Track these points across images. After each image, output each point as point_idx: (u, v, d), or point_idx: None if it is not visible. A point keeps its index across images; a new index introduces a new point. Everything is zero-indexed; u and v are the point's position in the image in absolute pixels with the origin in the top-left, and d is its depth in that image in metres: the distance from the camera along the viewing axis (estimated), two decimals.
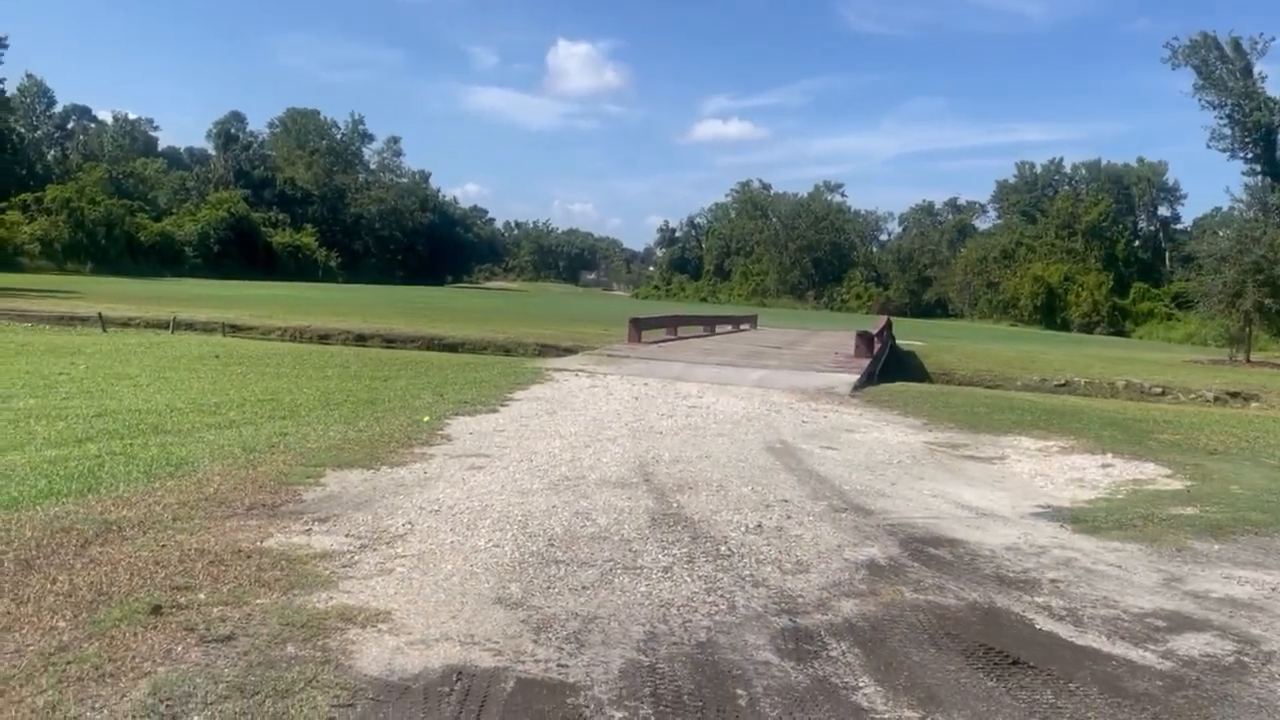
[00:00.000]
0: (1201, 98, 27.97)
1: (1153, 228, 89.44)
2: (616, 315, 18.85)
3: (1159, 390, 16.07)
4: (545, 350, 17.13)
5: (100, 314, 18.12)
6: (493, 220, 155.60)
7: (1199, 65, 27.48)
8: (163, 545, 3.46)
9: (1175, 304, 63.69)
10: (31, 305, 20.89)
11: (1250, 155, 27.84)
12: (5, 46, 66.29)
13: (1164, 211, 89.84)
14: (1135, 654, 2.94)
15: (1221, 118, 27.98)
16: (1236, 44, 27.18)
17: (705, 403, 8.91)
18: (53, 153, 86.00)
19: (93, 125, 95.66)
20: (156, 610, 2.79)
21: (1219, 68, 27.45)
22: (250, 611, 2.85)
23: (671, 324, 19.87)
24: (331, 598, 3.03)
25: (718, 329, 23.25)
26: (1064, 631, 3.13)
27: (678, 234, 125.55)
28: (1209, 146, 28.78)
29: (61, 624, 2.66)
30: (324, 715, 2.24)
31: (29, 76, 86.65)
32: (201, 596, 2.95)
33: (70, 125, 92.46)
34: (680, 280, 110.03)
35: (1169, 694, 2.64)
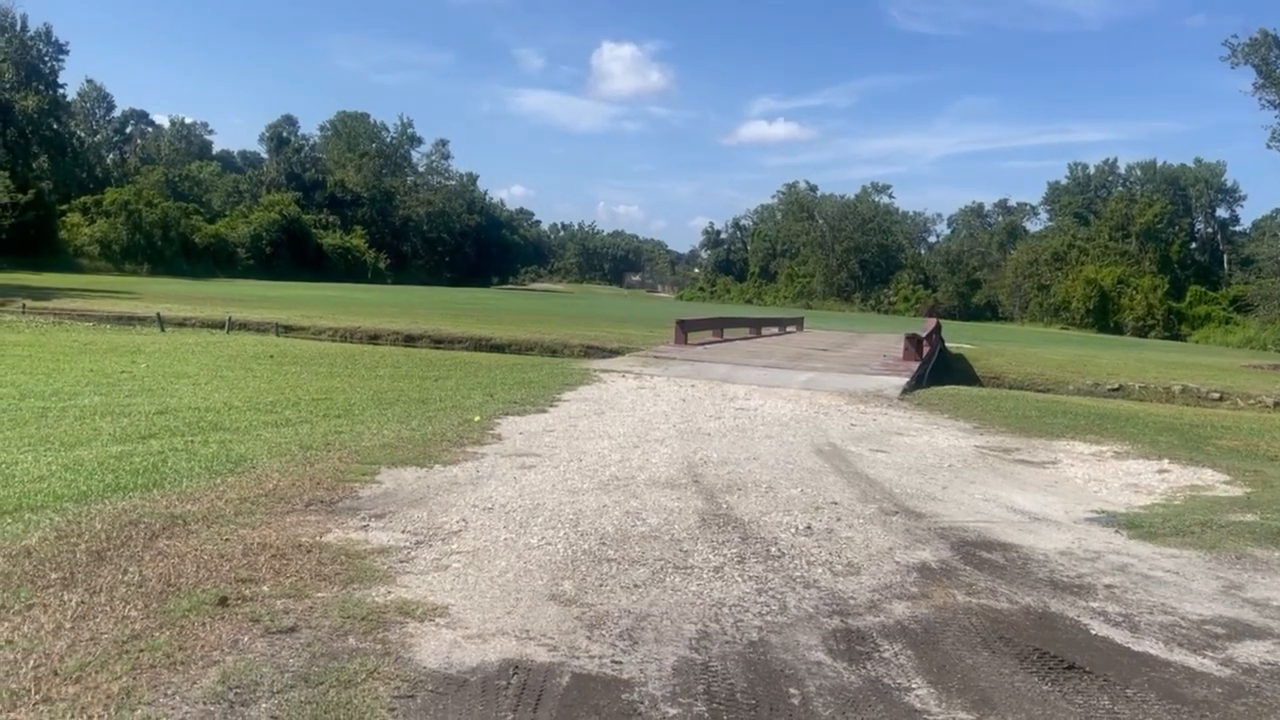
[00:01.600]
0: (1261, 96, 27.29)
1: (1210, 229, 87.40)
2: (662, 317, 18.89)
3: (1217, 395, 15.74)
4: (591, 351, 17.22)
5: (159, 314, 18.54)
6: (539, 222, 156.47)
7: (1259, 64, 26.80)
8: (226, 539, 3.55)
9: (1233, 307, 62.26)
10: (92, 305, 21.43)
11: None
12: (66, 52, 67.98)
13: (1222, 213, 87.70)
14: (1194, 661, 2.91)
15: None
16: None
17: (753, 405, 8.90)
18: (111, 156, 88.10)
19: (150, 129, 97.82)
20: (223, 601, 2.87)
21: (1279, 66, 26.77)
22: (312, 604, 2.92)
23: (717, 326, 19.84)
24: (390, 592, 3.10)
25: (764, 331, 23.17)
26: (1120, 637, 3.10)
27: (723, 236, 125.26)
28: (1269, 146, 28.04)
29: (133, 613, 2.75)
30: (386, 706, 2.29)
31: (89, 81, 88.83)
32: (265, 589, 3.03)
33: (128, 129, 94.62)
34: (725, 282, 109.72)
35: (1228, 701, 2.61)
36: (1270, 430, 9.71)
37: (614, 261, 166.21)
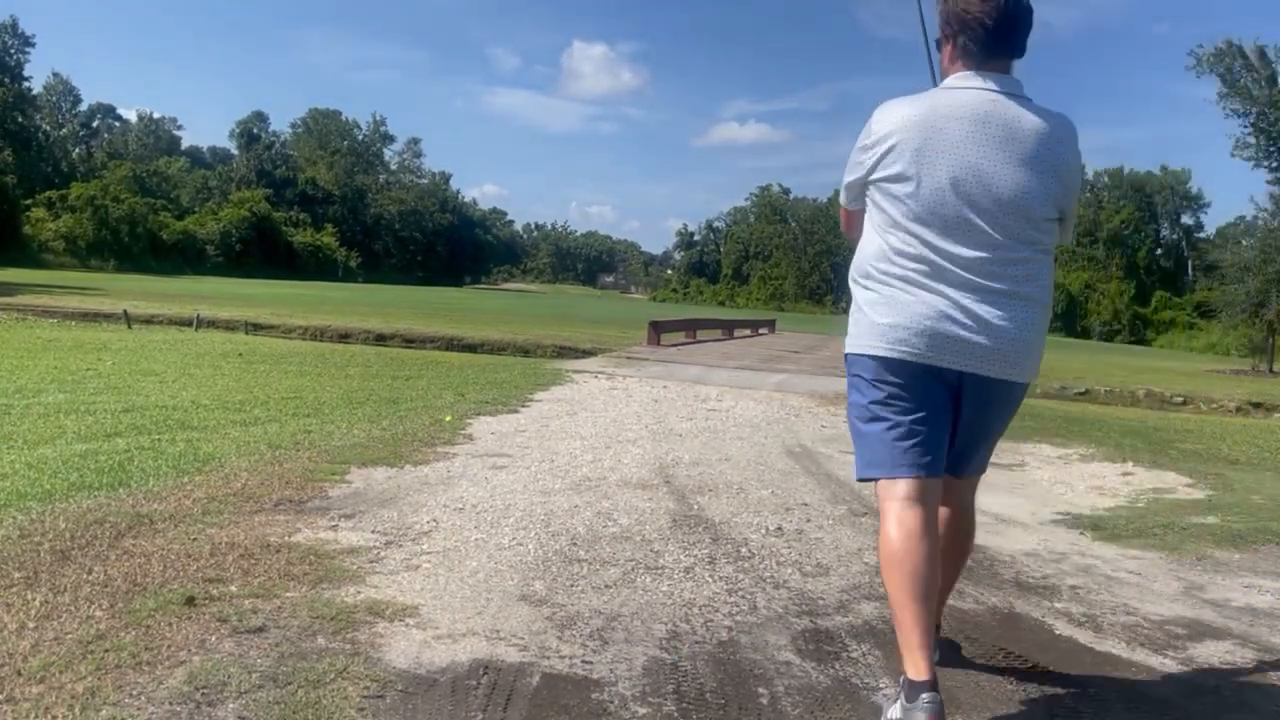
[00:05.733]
0: (1225, 106, 27.74)
1: (1175, 236, 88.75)
2: (635, 318, 18.91)
3: (1180, 399, 15.99)
4: (564, 352, 17.21)
5: (125, 311, 18.33)
6: (512, 222, 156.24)
7: (1223, 73, 27.25)
8: (194, 538, 3.52)
9: (1197, 313, 63.27)
10: (57, 302, 21.14)
11: (1275, 164, 27.58)
12: (32, 45, 67.08)
13: (1187, 220, 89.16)
14: (1155, 660, 2.96)
15: (1245, 126, 27.72)
16: (1261, 52, 26.95)
17: (724, 406, 8.94)
18: (78, 151, 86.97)
19: (117, 124, 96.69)
20: (190, 601, 2.85)
21: (1243, 76, 27.21)
22: (281, 604, 2.91)
23: (690, 327, 19.91)
24: (359, 592, 3.09)
25: (736, 333, 23.27)
26: (1083, 637, 3.15)
27: (696, 237, 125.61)
28: (1233, 155, 28.51)
29: (99, 613, 2.73)
30: (355, 705, 2.29)
31: (55, 75, 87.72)
32: (233, 589, 3.01)
33: (95, 124, 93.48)
34: (698, 284, 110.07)
35: (1188, 700, 2.66)
36: (1232, 434, 9.89)
37: (587, 262, 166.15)
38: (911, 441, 2.42)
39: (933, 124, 2.41)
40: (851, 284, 2.58)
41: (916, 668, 2.25)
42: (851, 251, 2.62)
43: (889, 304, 2.42)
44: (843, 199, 2.70)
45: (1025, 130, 2.40)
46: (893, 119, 2.46)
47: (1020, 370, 2.44)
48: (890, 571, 2.35)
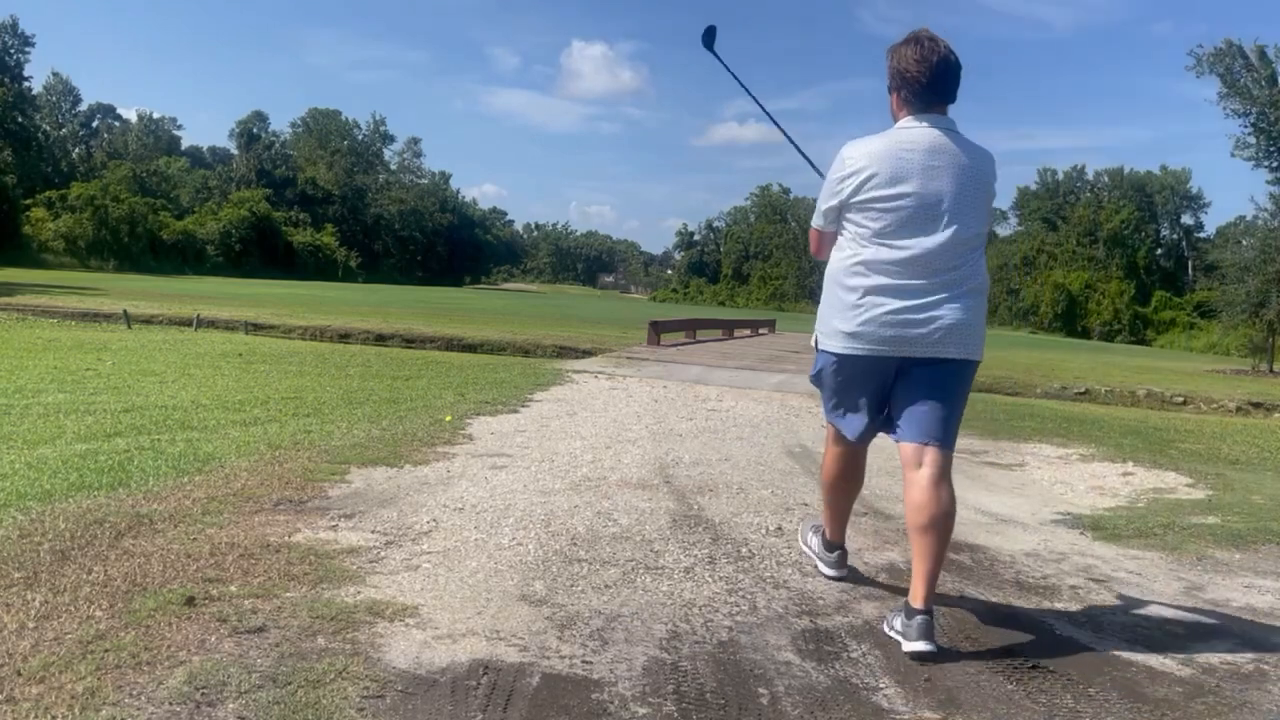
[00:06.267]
0: (1226, 106, 27.68)
1: (1175, 236, 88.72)
2: (635, 318, 18.91)
3: (1180, 399, 15.98)
4: (564, 352, 17.20)
5: (125, 311, 18.32)
6: (512, 222, 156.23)
7: (1223, 73, 27.22)
8: (193, 538, 3.52)
9: (1198, 313, 63.28)
10: (57, 301, 21.14)
11: (1275, 164, 27.55)
12: (32, 45, 67.09)
13: (1187, 220, 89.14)
14: (1155, 660, 2.96)
15: (1246, 126, 27.69)
16: (1261, 52, 26.92)
17: (725, 406, 8.94)
18: (77, 151, 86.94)
19: (117, 124, 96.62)
20: (190, 601, 2.85)
21: (1243, 76, 27.19)
22: (280, 604, 2.90)
23: (690, 327, 19.90)
24: (359, 592, 3.09)
25: (736, 333, 23.27)
26: (1083, 637, 3.15)
27: (696, 237, 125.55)
28: (1233, 155, 28.47)
29: (98, 613, 2.72)
30: (354, 706, 2.29)
31: (55, 74, 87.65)
32: (233, 589, 3.01)
33: (95, 123, 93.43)
34: (698, 284, 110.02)
35: (1188, 700, 2.66)
36: (1232, 434, 9.89)
37: (587, 262, 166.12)
38: (855, 412, 3.26)
39: (897, 155, 3.07)
40: (826, 285, 3.25)
41: (833, 532, 3.60)
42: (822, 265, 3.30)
43: (854, 309, 3.10)
44: (818, 223, 3.32)
45: (964, 158, 3.09)
46: (862, 152, 3.12)
47: (965, 349, 3.08)
48: (824, 480, 3.60)
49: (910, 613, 2.93)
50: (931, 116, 3.12)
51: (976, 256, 3.13)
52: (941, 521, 3.02)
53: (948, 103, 3.16)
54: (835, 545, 3.59)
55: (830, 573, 3.60)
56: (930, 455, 3.07)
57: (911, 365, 3.07)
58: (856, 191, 3.10)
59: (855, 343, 3.09)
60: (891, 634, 3.01)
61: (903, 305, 3.02)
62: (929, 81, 3.10)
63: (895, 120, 3.19)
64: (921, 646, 2.85)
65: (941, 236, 3.03)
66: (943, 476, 3.06)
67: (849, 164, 3.13)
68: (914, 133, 3.10)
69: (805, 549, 3.77)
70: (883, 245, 3.06)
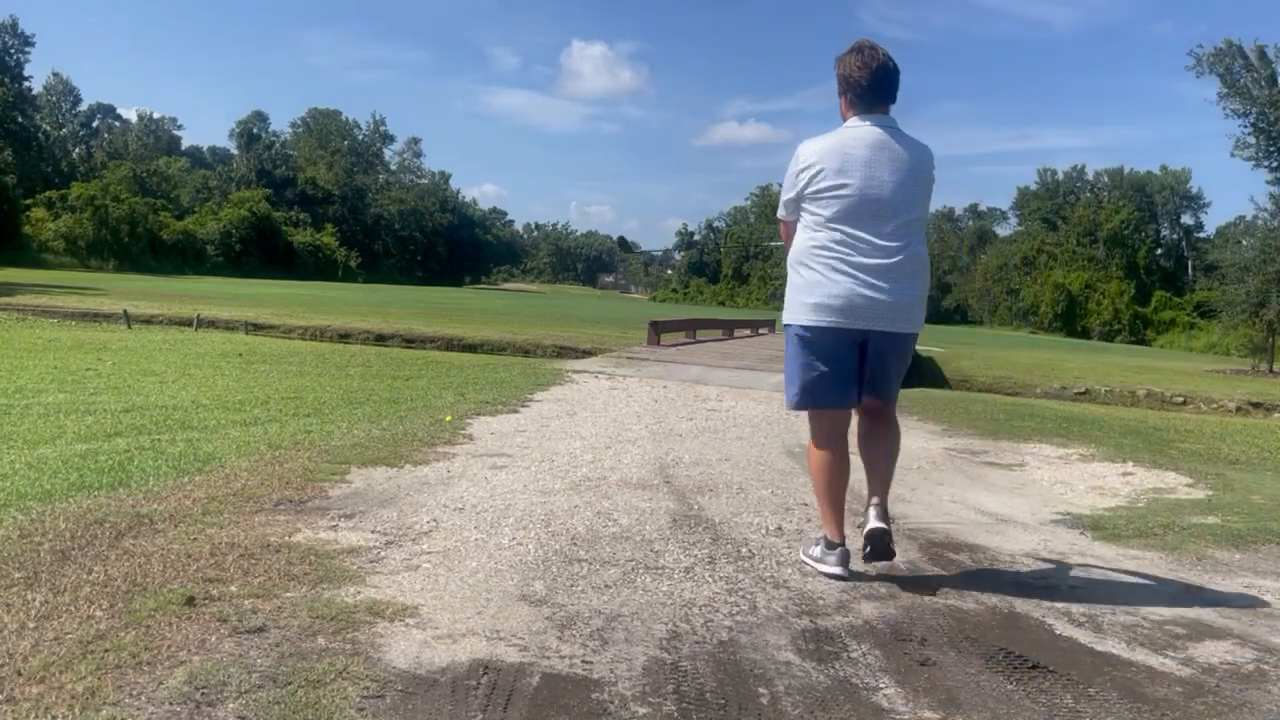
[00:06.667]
0: (1225, 106, 27.64)
1: (1175, 236, 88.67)
2: (635, 318, 18.91)
3: (1180, 399, 15.98)
4: (564, 352, 17.20)
5: (125, 311, 18.32)
6: (512, 222, 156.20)
7: (1223, 73, 27.19)
8: (194, 538, 3.52)
9: (1197, 313, 63.24)
10: (57, 301, 21.15)
11: (1275, 164, 27.51)
12: (32, 45, 67.11)
13: (1187, 220, 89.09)
14: (1155, 660, 2.96)
15: (1245, 126, 27.65)
16: (1261, 52, 26.88)
17: (725, 406, 8.94)
18: (78, 151, 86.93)
19: (117, 124, 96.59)
20: (190, 601, 2.85)
21: (1243, 76, 27.17)
22: (281, 604, 2.90)
23: (690, 327, 19.89)
24: (359, 592, 3.09)
25: (736, 332, 23.26)
26: (1083, 637, 3.15)
27: (696, 237, 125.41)
28: (1233, 155, 28.43)
29: (99, 613, 2.73)
30: (354, 705, 2.29)
31: (55, 74, 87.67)
32: (233, 589, 3.01)
33: (95, 124, 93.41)
34: (698, 284, 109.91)
35: (1188, 700, 2.66)
36: (1232, 434, 9.88)
37: (587, 262, 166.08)
38: (829, 384, 3.62)
39: (845, 151, 3.51)
40: (790, 269, 3.67)
41: (834, 533, 3.71)
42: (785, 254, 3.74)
43: (816, 286, 3.53)
44: (782, 213, 3.77)
45: (905, 153, 3.53)
46: (814, 149, 3.57)
47: (909, 323, 3.58)
48: (812, 471, 3.84)
49: (869, 531, 3.63)
50: (875, 116, 3.56)
51: (917, 240, 3.58)
52: (892, 449, 3.80)
53: (889, 103, 3.61)
54: (836, 544, 3.69)
55: (837, 570, 3.66)
56: (879, 408, 3.74)
57: (866, 339, 3.56)
58: (810, 183, 3.56)
59: (820, 315, 3.52)
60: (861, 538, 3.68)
61: (859, 286, 3.48)
62: (871, 85, 3.55)
63: (844, 120, 3.63)
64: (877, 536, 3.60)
65: (884, 222, 3.49)
66: (890, 420, 3.79)
67: (803, 160, 3.59)
68: (859, 130, 3.54)
69: (808, 561, 3.80)
70: (835, 230, 3.51)
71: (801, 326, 3.59)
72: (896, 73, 3.58)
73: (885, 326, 3.51)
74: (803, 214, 3.63)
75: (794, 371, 3.67)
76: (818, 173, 3.53)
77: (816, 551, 3.76)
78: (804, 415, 3.81)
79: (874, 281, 3.46)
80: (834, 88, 3.70)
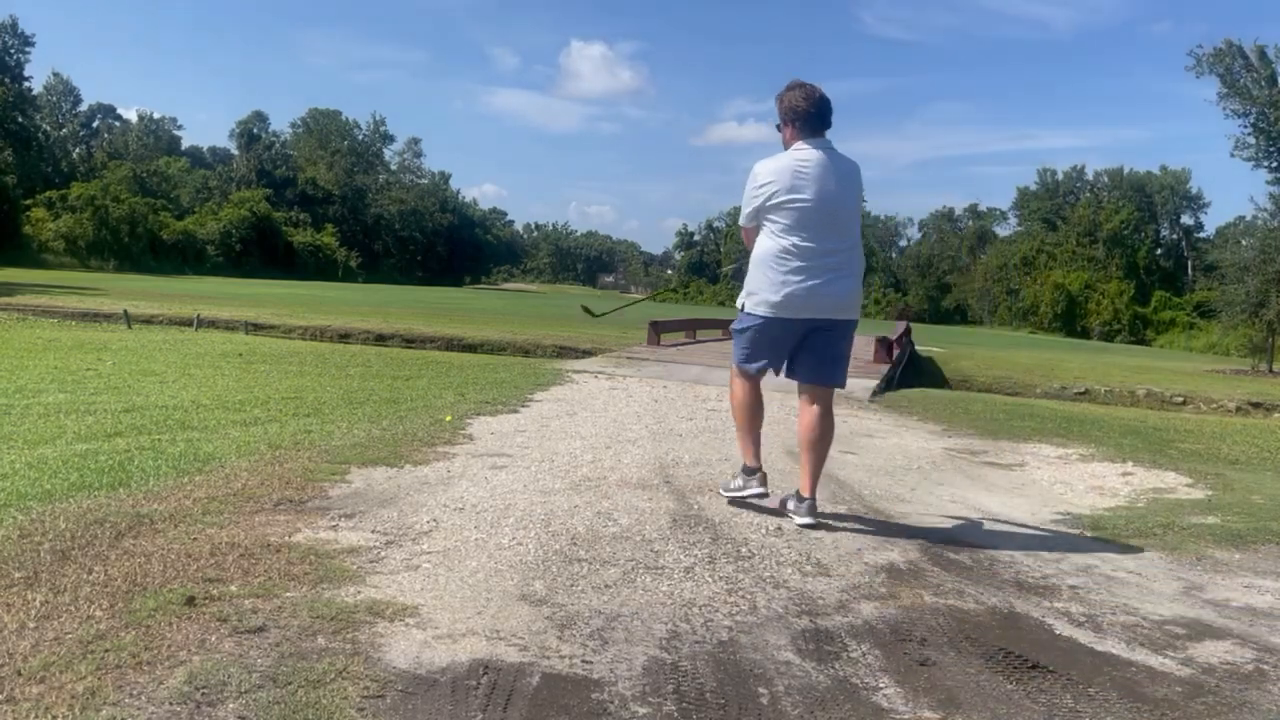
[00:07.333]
0: (1225, 106, 27.65)
1: (1175, 236, 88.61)
2: (635, 318, 18.92)
3: (1180, 399, 15.98)
4: (564, 352, 17.20)
5: (125, 311, 18.32)
6: (512, 222, 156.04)
7: (1223, 74, 27.20)
8: (194, 538, 3.52)
9: (1197, 313, 63.22)
10: (57, 301, 21.16)
11: (1274, 164, 27.53)
12: (32, 45, 67.10)
13: (1186, 220, 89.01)
14: (1154, 660, 2.96)
15: (1245, 127, 27.67)
16: (1261, 52, 26.90)
17: (724, 406, 8.91)
18: (78, 151, 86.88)
19: (117, 124, 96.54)
20: (190, 601, 2.85)
21: (1243, 76, 27.18)
22: (281, 604, 2.91)
23: (690, 327, 19.86)
24: (360, 592, 3.09)
25: None
26: (1083, 637, 3.15)
27: (696, 237, 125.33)
28: (1233, 155, 28.45)
29: (99, 613, 2.73)
30: (355, 705, 2.29)
31: (55, 75, 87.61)
32: (233, 589, 3.01)
33: (95, 124, 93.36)
34: (699, 284, 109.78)
35: (1188, 700, 2.66)
36: (1232, 434, 9.88)
37: (587, 262, 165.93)
38: (768, 357, 4.46)
39: (797, 170, 4.21)
40: (753, 267, 4.35)
41: (751, 459, 4.57)
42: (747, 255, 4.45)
43: (777, 285, 4.24)
44: (744, 222, 4.46)
45: (845, 170, 4.28)
46: (772, 169, 4.28)
47: (851, 312, 4.37)
48: (738, 412, 4.64)
49: (801, 499, 4.33)
50: (815, 140, 4.27)
51: (857, 244, 4.38)
52: (827, 438, 4.43)
53: (827, 129, 4.30)
54: (755, 469, 4.53)
55: (756, 490, 4.47)
56: (823, 393, 4.42)
57: (815, 327, 4.30)
58: (770, 198, 4.24)
59: (779, 310, 4.26)
60: (788, 512, 4.39)
61: (813, 282, 4.20)
62: (813, 114, 4.26)
63: (787, 146, 4.33)
64: (809, 520, 4.27)
65: (832, 228, 4.23)
66: (829, 408, 4.44)
67: (761, 178, 4.29)
68: (806, 153, 4.24)
69: (729, 494, 4.63)
70: (794, 237, 4.20)
71: (762, 316, 4.33)
72: (830, 103, 4.29)
73: (830, 315, 4.29)
74: (765, 223, 4.31)
75: (747, 343, 4.46)
76: (776, 189, 4.21)
77: (737, 483, 4.58)
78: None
79: (823, 278, 4.21)
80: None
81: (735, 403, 4.64)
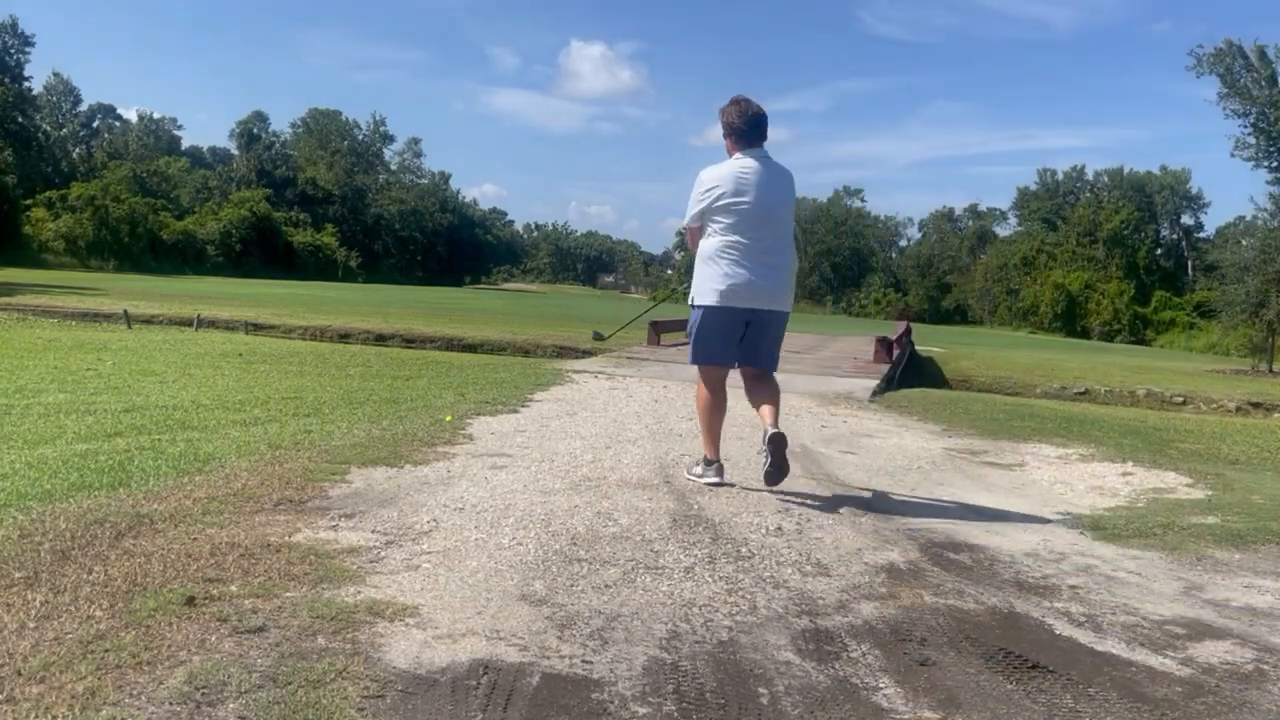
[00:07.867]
0: (1225, 106, 27.63)
1: (1175, 236, 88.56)
2: (635, 318, 18.90)
3: (1180, 399, 15.97)
4: (564, 352, 17.19)
5: (125, 311, 18.32)
6: (512, 222, 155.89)
7: (1223, 74, 27.19)
8: (194, 538, 3.52)
9: (1197, 313, 63.18)
10: (57, 301, 21.15)
11: (1274, 164, 27.51)
12: (32, 45, 67.10)
13: (1186, 220, 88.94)
14: (1155, 660, 2.96)
15: (1245, 126, 27.65)
16: (1261, 52, 26.88)
17: None
18: (78, 151, 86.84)
19: (117, 124, 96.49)
20: (190, 601, 2.85)
21: (1243, 76, 27.17)
22: (281, 604, 2.91)
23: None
24: (360, 592, 3.09)
25: None
26: (1083, 637, 3.15)
27: None
28: (1233, 155, 28.43)
29: (99, 613, 2.73)
30: (355, 705, 2.29)
31: (55, 75, 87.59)
32: (233, 589, 3.01)
33: (95, 124, 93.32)
34: None
35: (1188, 700, 2.66)
36: (1232, 434, 9.88)
37: (587, 262, 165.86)
38: (721, 348, 5.04)
39: (738, 175, 4.81)
40: (699, 262, 4.96)
41: (712, 453, 5.16)
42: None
43: (721, 277, 4.82)
44: (689, 222, 4.98)
45: (779, 176, 4.91)
46: (716, 175, 4.85)
47: (784, 304, 4.98)
48: (700, 412, 5.24)
49: (770, 436, 4.81)
50: (753, 150, 4.86)
51: (790, 243, 4.99)
52: (775, 393, 5.04)
53: (763, 140, 4.88)
54: (714, 461, 5.10)
55: (713, 479, 5.04)
56: (758, 370, 5.09)
57: (752, 318, 4.89)
58: (714, 202, 4.81)
59: (723, 300, 4.82)
60: (759, 455, 4.97)
61: (751, 277, 4.79)
62: (749, 128, 4.85)
63: (730, 155, 4.91)
64: (771, 460, 4.79)
65: (771, 230, 4.85)
66: (771, 380, 5.09)
67: (707, 183, 4.86)
68: (745, 161, 4.84)
69: (691, 479, 5.12)
70: (736, 236, 4.78)
71: (708, 307, 4.88)
72: (766, 116, 4.86)
73: (765, 305, 4.88)
74: (710, 224, 4.86)
75: (699, 337, 5.03)
76: (720, 194, 4.79)
77: (699, 470, 5.15)
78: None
79: (760, 273, 4.80)
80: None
81: (700, 404, 5.20)
